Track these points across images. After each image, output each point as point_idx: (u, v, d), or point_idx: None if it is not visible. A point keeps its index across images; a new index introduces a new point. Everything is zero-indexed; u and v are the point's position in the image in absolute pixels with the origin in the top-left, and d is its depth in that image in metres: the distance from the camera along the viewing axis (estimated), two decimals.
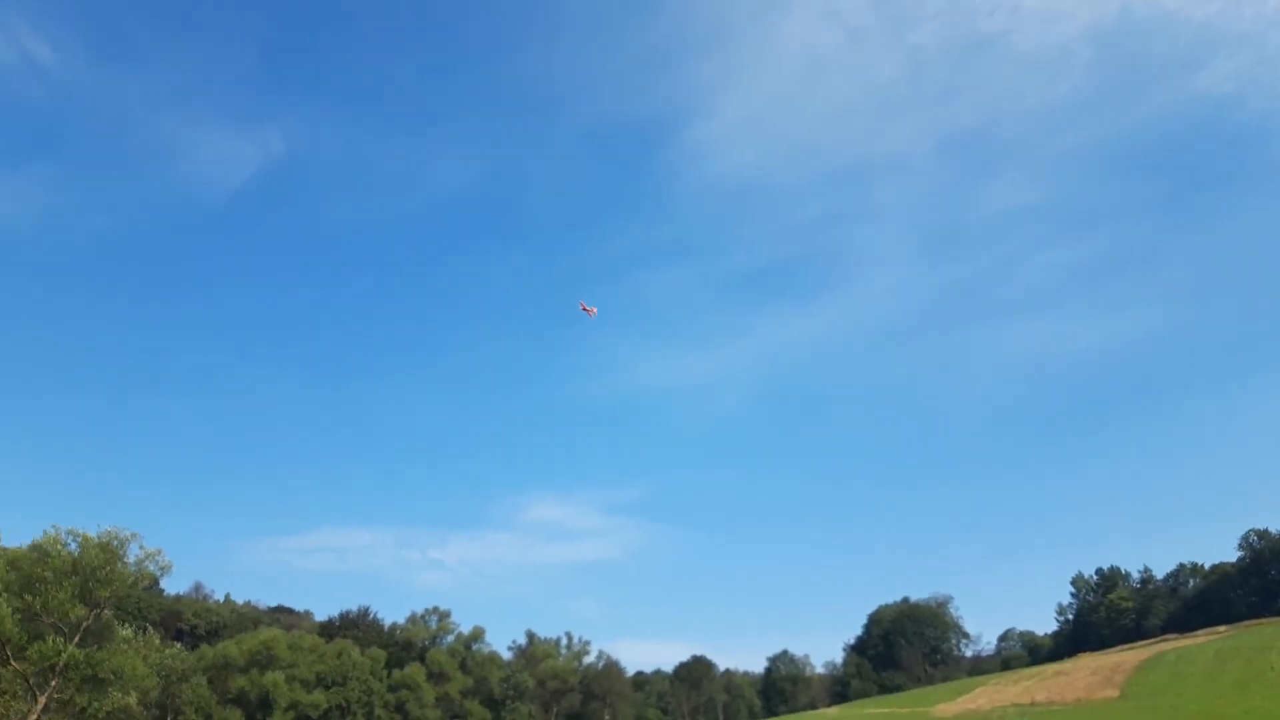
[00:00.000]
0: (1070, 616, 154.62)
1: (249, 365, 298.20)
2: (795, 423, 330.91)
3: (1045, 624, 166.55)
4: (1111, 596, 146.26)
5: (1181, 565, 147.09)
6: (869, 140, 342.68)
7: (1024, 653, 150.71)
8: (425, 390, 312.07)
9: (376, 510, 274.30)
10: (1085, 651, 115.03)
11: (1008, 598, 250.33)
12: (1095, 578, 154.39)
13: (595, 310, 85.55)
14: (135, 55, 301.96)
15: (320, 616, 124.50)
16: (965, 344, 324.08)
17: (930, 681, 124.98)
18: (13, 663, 58.56)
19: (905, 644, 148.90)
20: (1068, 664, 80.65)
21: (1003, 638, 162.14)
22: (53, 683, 58.42)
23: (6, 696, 60.55)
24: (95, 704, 61.13)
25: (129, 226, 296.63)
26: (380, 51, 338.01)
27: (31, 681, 58.78)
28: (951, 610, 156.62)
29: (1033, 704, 44.90)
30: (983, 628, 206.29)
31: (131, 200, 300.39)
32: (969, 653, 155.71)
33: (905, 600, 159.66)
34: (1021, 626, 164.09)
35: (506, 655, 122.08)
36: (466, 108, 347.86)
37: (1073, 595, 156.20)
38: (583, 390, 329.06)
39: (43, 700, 57.94)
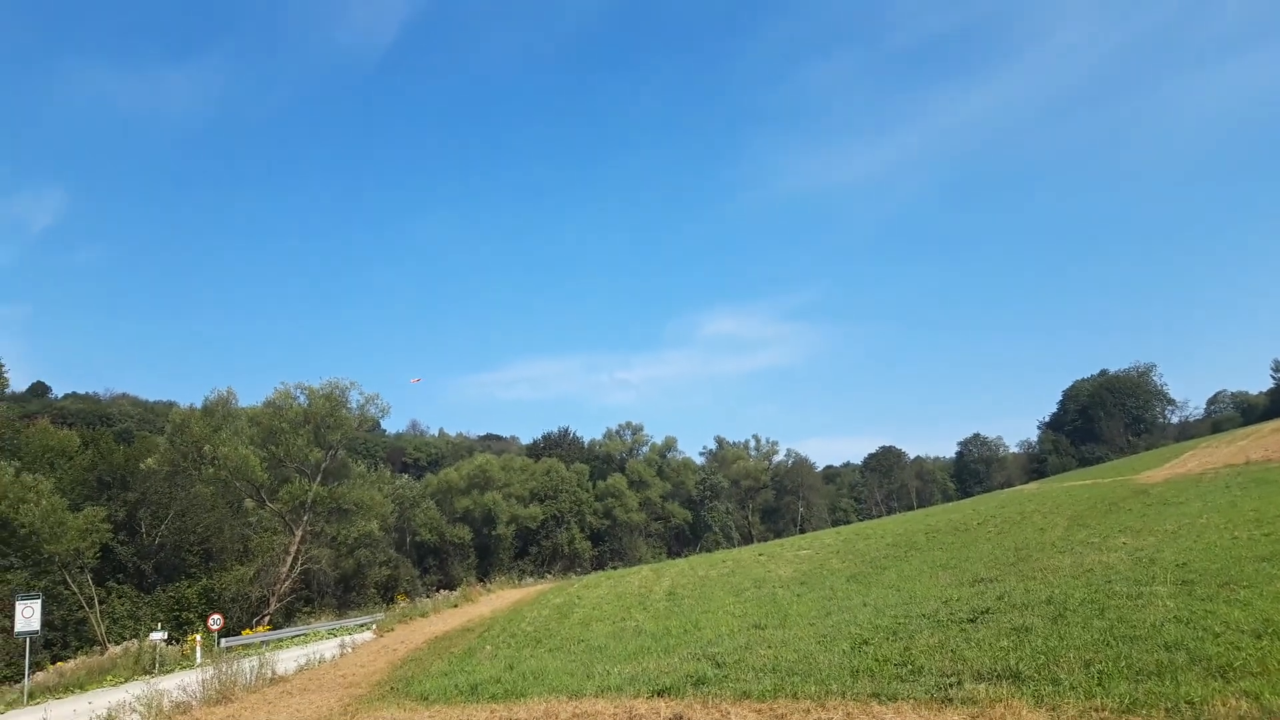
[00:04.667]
0: None
1: (434, 216, 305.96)
2: (976, 205, 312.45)
3: (1260, 382, 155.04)
4: None
5: None
6: None
7: (1236, 414, 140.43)
8: (594, 220, 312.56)
9: (564, 340, 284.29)
10: None
11: (1216, 359, 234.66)
12: None
13: (420, 379, 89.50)
14: None
15: (525, 440, 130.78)
16: (1159, 100, 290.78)
17: (1134, 451, 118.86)
18: (268, 504, 62.89)
19: (1104, 416, 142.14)
20: None
21: (1212, 401, 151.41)
22: (304, 518, 62.62)
23: (269, 533, 65.63)
24: (343, 532, 65.83)
25: (302, 97, 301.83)
26: None
27: (287, 518, 63.18)
28: (1154, 378, 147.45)
29: (1248, 463, 40.18)
30: (1189, 393, 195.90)
31: (298, 71, 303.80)
32: (1175, 419, 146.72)
33: (1103, 373, 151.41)
34: (1233, 388, 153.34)
35: (699, 460, 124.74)
36: None
37: None
38: (749, 200, 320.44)
39: (299, 533, 62.31)
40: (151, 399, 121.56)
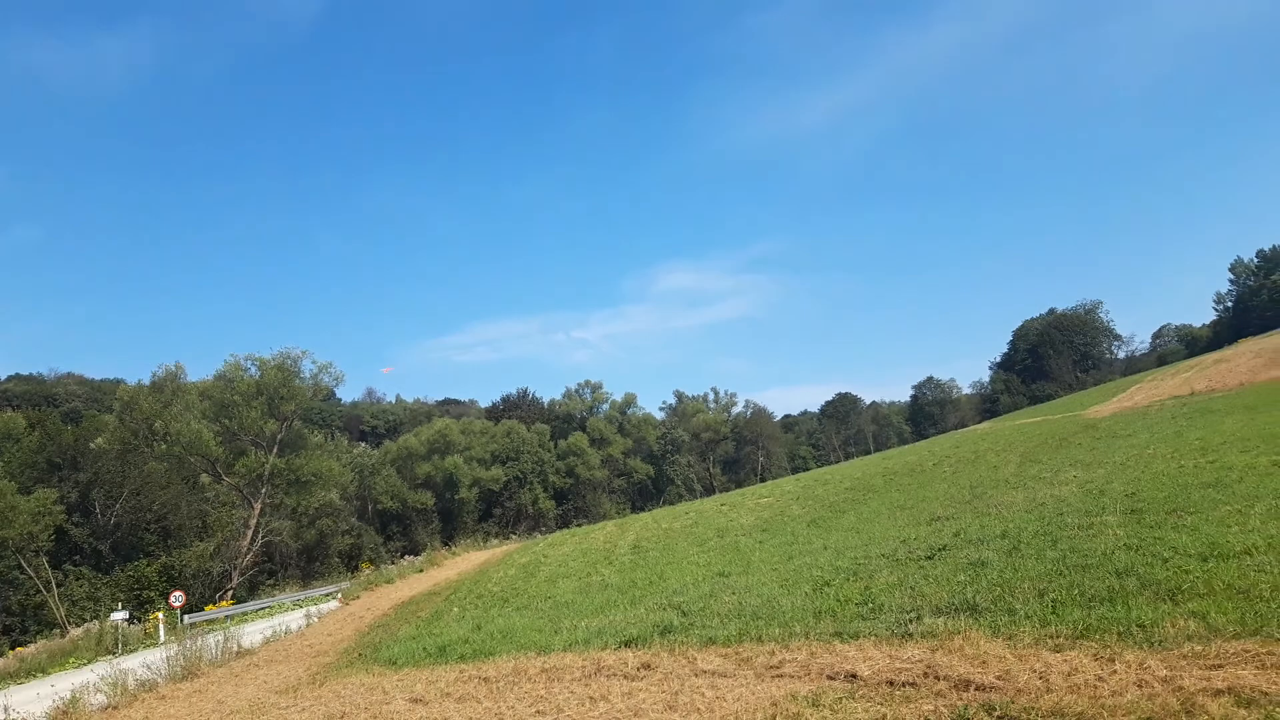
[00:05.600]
0: (1229, 304, 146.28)
1: (381, 181, 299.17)
2: (926, 149, 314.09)
3: (1203, 315, 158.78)
4: (1274, 278, 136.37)
5: None
6: None
7: (1181, 347, 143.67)
8: (546, 178, 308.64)
9: (520, 301, 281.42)
10: (1247, 337, 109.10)
11: (1161, 294, 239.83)
12: (1256, 260, 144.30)
13: (390, 369, 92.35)
14: None
15: (484, 403, 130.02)
16: (1102, 40, 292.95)
17: (1082, 387, 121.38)
18: (225, 478, 62.14)
19: (1053, 354, 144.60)
20: (1228, 350, 75.79)
21: (1157, 335, 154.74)
22: (263, 490, 62.07)
23: (227, 507, 64.94)
24: (303, 503, 65.31)
25: (239, 62, 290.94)
26: None
27: (245, 492, 62.56)
28: (1101, 314, 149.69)
29: (1192, 394, 41.48)
30: (1135, 328, 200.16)
31: (233, 34, 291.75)
32: (1122, 354, 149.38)
33: (1051, 311, 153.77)
34: (1177, 321, 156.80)
35: (659, 415, 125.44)
36: None
37: (1231, 282, 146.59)
38: (702, 152, 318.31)
39: (257, 506, 61.82)
40: (98, 377, 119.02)
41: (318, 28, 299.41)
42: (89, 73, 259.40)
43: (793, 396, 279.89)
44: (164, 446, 59.22)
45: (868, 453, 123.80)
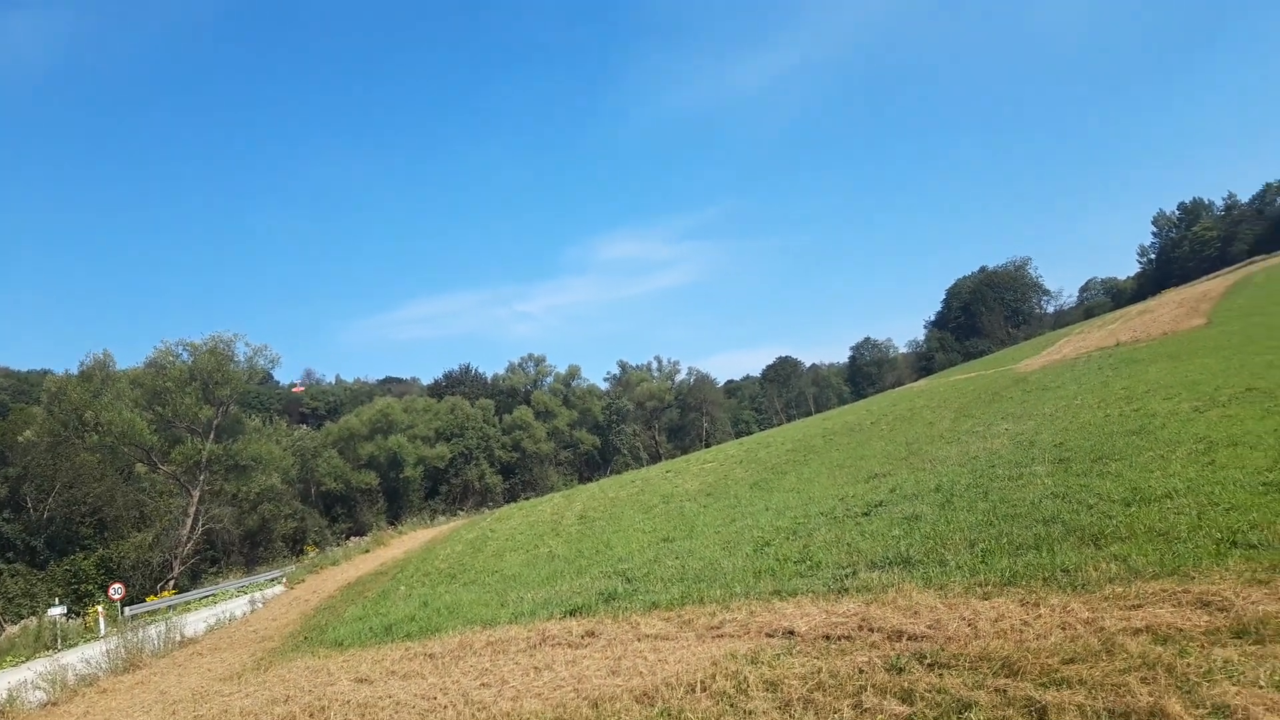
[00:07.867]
0: (1153, 256, 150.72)
1: (311, 154, 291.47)
2: (861, 108, 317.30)
3: (1127, 268, 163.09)
4: (1195, 229, 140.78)
5: (1268, 185, 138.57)
6: None
7: (1107, 299, 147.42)
8: (482, 148, 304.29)
9: (459, 276, 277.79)
10: (1170, 288, 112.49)
11: (1086, 249, 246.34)
12: (1177, 213, 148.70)
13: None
14: None
15: (426, 380, 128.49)
16: None
17: (1013, 343, 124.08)
18: (161, 467, 60.71)
19: (985, 311, 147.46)
20: (1152, 301, 78.04)
21: (1084, 288, 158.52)
22: (201, 477, 60.87)
23: (165, 496, 63.51)
24: (243, 488, 64.21)
25: (163, 31, 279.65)
26: None
27: (183, 480, 61.26)
28: (1030, 270, 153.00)
29: (1118, 345, 42.56)
30: (1063, 283, 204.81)
31: (157, 4, 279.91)
32: (1051, 309, 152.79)
33: (982, 269, 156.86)
34: (1103, 274, 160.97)
35: (603, 386, 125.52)
36: None
37: (1154, 234, 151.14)
38: (639, 120, 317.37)
39: (196, 494, 60.64)
40: (23, 369, 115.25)
41: None
42: (3, 48, 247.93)
43: (735, 362, 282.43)
44: (95, 437, 57.60)
45: (809, 414, 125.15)
